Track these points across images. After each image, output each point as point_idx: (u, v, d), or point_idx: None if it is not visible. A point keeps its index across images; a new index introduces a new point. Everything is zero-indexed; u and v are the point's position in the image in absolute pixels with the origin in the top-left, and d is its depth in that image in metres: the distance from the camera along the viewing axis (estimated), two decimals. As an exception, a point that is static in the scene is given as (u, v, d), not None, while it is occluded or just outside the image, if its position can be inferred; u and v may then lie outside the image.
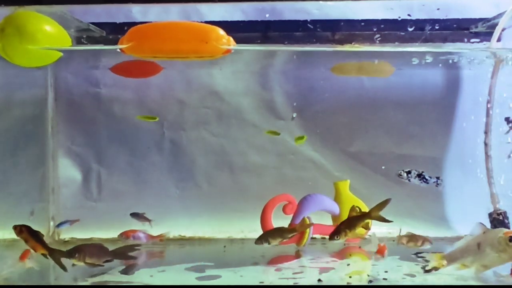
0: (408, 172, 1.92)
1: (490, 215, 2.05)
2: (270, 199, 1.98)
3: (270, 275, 1.68)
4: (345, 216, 2.00)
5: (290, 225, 1.97)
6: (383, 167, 2.21)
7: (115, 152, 2.24)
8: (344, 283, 1.58)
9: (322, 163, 2.24)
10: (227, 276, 1.65)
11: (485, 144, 2.07)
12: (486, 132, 2.07)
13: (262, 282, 1.59)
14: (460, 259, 1.55)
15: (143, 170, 2.25)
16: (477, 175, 2.15)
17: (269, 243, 1.80)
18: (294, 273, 1.67)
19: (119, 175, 2.25)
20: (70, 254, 1.66)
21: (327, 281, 1.59)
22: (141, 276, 1.67)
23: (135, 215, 2.06)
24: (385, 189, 2.21)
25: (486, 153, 2.08)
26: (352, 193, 2.06)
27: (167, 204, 2.25)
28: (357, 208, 1.81)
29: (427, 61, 1.91)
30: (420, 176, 1.93)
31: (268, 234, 1.83)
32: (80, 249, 1.67)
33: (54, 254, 1.64)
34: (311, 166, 2.24)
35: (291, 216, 1.99)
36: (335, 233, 1.72)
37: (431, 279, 1.58)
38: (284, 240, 1.83)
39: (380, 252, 1.77)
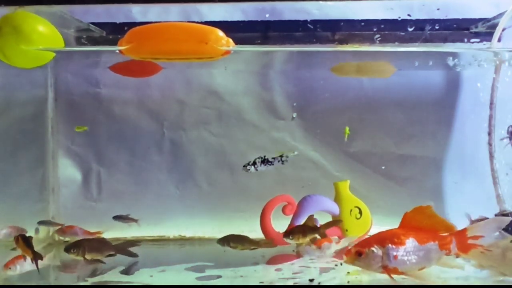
0: (254, 163, 1.94)
1: (496, 216, 2.04)
2: (269, 200, 1.98)
3: (270, 275, 1.68)
4: (345, 216, 2.01)
5: (289, 226, 1.97)
6: (383, 167, 2.21)
7: (115, 152, 2.24)
8: (344, 283, 1.58)
9: (322, 163, 2.24)
10: (227, 276, 1.65)
11: (489, 145, 2.07)
12: (489, 133, 2.07)
13: (262, 282, 1.59)
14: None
15: (143, 170, 2.25)
16: (477, 175, 2.15)
17: (231, 247, 1.83)
18: (294, 273, 1.67)
19: (119, 175, 2.25)
20: (68, 249, 1.65)
21: (327, 281, 1.59)
22: (141, 276, 1.67)
23: (118, 217, 2.06)
24: (385, 189, 2.21)
25: (490, 153, 2.07)
26: (352, 193, 2.06)
27: (167, 204, 2.25)
28: (315, 219, 1.89)
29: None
30: (264, 161, 1.95)
31: (231, 239, 1.84)
32: (78, 244, 1.67)
33: (36, 257, 1.62)
34: (311, 166, 2.24)
35: (291, 216, 1.99)
36: (290, 233, 1.80)
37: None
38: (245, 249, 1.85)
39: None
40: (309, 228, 1.84)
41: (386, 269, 1.48)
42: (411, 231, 1.52)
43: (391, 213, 1.96)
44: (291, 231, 1.82)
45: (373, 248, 1.47)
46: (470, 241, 1.50)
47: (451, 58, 1.95)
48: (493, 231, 1.50)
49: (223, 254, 1.86)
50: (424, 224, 1.52)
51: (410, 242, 1.50)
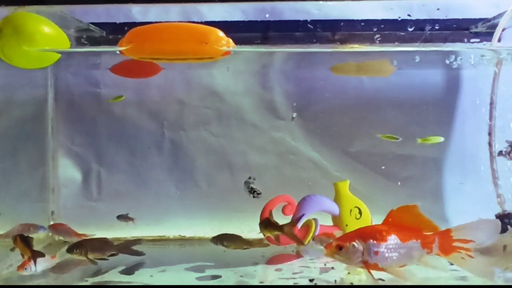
0: (253, 189, 1.95)
1: (497, 216, 2.03)
2: (269, 200, 1.98)
3: (270, 275, 1.68)
4: (345, 217, 2.01)
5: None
6: (383, 167, 2.21)
7: (115, 152, 2.24)
8: (344, 283, 1.58)
9: (322, 163, 2.24)
10: (227, 276, 1.65)
11: (489, 145, 2.07)
12: (490, 134, 2.07)
13: (262, 282, 1.59)
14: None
15: (143, 170, 2.25)
16: (477, 175, 2.15)
17: (224, 246, 1.83)
18: (294, 273, 1.67)
19: (119, 175, 2.25)
20: (70, 249, 1.66)
21: (327, 281, 1.60)
22: (141, 276, 1.68)
23: (120, 217, 2.07)
24: (385, 189, 2.21)
25: (490, 154, 2.07)
26: (352, 193, 2.06)
27: (167, 204, 2.25)
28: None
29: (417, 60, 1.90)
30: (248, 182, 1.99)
31: (224, 238, 1.84)
32: (80, 244, 1.67)
33: (34, 256, 1.64)
34: (311, 166, 2.24)
35: (290, 217, 1.99)
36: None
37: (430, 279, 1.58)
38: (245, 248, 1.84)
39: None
40: (273, 225, 1.81)
41: (366, 264, 1.48)
42: (394, 228, 1.51)
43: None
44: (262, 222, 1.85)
45: (354, 243, 1.47)
46: (455, 244, 1.48)
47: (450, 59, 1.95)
48: (483, 236, 1.47)
49: (223, 254, 1.86)
50: (408, 223, 1.51)
51: (392, 239, 1.49)
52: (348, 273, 1.65)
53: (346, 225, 2.00)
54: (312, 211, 1.97)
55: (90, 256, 1.65)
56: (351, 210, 2.01)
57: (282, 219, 1.99)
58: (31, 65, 1.65)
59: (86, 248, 1.65)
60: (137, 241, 1.80)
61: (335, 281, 1.60)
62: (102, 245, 1.70)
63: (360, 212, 2.01)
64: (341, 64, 2.04)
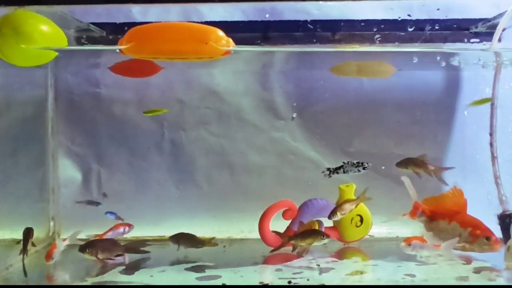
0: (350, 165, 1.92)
1: (499, 216, 2.03)
2: (271, 205, 1.95)
3: (270, 275, 1.68)
4: (347, 221, 1.99)
5: (286, 230, 1.96)
6: (383, 167, 2.21)
7: (115, 152, 2.24)
8: (345, 283, 1.58)
9: (322, 163, 2.24)
10: (227, 276, 1.65)
11: (491, 146, 2.07)
12: (491, 134, 2.06)
13: (262, 282, 1.59)
14: None
15: (143, 170, 2.25)
16: (478, 176, 2.15)
17: (180, 245, 1.86)
18: (294, 273, 1.67)
19: (119, 175, 2.25)
20: (82, 249, 1.71)
21: (327, 281, 1.60)
22: (141, 276, 1.68)
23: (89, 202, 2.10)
24: (385, 189, 2.21)
25: (492, 154, 2.07)
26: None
27: (167, 204, 2.25)
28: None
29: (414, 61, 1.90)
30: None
31: (180, 237, 1.87)
32: (92, 244, 1.73)
33: (23, 251, 1.71)
34: (311, 166, 2.24)
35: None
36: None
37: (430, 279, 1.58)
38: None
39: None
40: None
41: None
42: None
43: (391, 213, 1.96)
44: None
45: None
46: None
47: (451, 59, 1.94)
48: None
49: (223, 254, 1.86)
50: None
51: None
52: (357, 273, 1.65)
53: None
54: (313, 217, 1.96)
55: (100, 255, 1.70)
56: (352, 219, 1.99)
57: (280, 222, 1.99)
58: (29, 63, 1.65)
59: (96, 248, 1.70)
60: (144, 242, 1.84)
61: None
62: (111, 246, 1.76)
63: (361, 220, 2.00)
64: (341, 64, 2.04)
